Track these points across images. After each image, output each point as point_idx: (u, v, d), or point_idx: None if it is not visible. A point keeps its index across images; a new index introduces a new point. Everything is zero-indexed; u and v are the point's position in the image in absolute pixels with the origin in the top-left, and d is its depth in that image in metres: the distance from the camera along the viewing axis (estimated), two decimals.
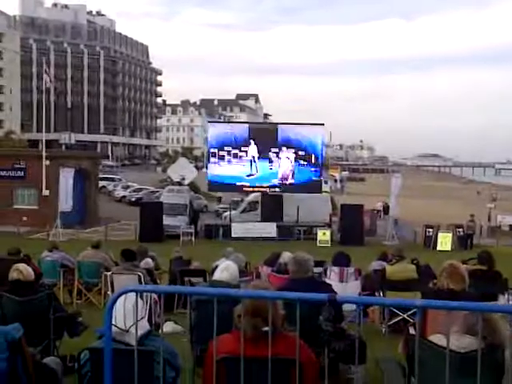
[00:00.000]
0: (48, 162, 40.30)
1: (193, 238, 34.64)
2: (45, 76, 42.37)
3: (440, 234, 33.48)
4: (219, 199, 52.22)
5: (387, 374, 4.50)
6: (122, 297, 4.12)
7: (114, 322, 4.08)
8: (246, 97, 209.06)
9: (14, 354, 3.93)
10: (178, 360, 4.64)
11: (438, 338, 3.88)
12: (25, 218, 38.40)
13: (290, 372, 3.86)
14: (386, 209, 44.51)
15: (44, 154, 40.78)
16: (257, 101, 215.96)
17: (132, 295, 4.31)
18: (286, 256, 10.88)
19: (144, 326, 4.43)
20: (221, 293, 4.39)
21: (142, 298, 4.54)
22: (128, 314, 4.27)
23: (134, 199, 60.13)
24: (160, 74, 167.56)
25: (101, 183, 58.48)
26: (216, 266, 11.48)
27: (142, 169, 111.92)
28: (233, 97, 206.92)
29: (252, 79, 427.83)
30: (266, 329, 3.91)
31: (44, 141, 43.15)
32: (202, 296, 6.15)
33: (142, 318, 4.34)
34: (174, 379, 4.49)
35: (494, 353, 3.73)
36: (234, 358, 3.88)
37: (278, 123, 44.03)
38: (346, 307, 7.78)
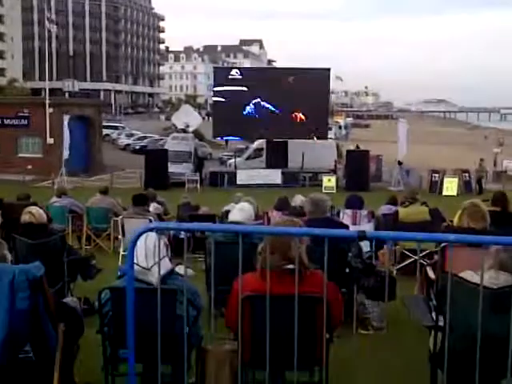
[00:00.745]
0: (52, 110, 40.00)
1: (198, 186, 34.61)
2: (47, 23, 41.71)
3: (446, 179, 33.35)
4: (226, 143, 51.28)
5: (413, 310, 4.43)
6: (142, 237, 4.03)
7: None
8: (249, 43, 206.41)
9: (35, 292, 3.87)
10: (200, 299, 4.60)
11: (469, 275, 3.80)
12: (29, 167, 38.26)
13: (315, 309, 3.80)
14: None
15: (47, 101, 40.44)
16: (261, 47, 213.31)
17: (150, 237, 4.24)
18: (297, 199, 10.83)
19: (166, 265, 4.37)
20: (244, 230, 4.29)
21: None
22: (149, 253, 4.20)
23: (138, 147, 59.79)
24: (162, 19, 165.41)
25: (104, 131, 58.10)
26: (226, 211, 11.45)
27: (145, 117, 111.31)
28: (236, 43, 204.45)
29: (256, 24, 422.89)
30: (291, 266, 3.83)
31: (47, 89, 42.69)
32: (218, 238, 6.09)
33: (163, 257, 4.27)
34: (196, 318, 4.45)
35: None
36: (258, 296, 3.81)
37: (282, 68, 43.48)
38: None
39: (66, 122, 36.26)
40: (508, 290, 3.43)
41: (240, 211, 6.80)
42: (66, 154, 35.79)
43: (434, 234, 3.76)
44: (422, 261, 9.37)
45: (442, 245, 5.51)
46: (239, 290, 3.79)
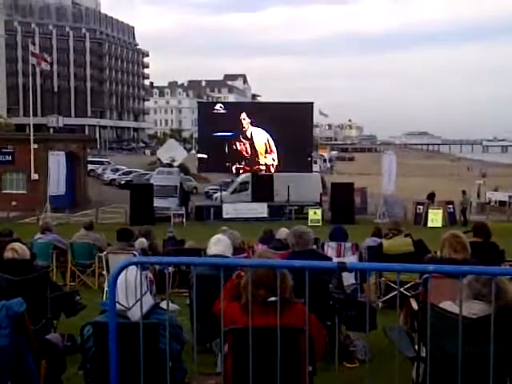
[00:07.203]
0: (36, 146, 39.96)
1: (184, 220, 34.53)
2: (32, 58, 41.58)
3: (430, 211, 33.51)
4: None
5: (397, 342, 4.45)
6: (123, 274, 4.01)
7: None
8: (233, 77, 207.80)
9: (16, 329, 3.85)
10: (183, 333, 4.57)
11: (448, 305, 3.83)
12: (14, 203, 38.07)
13: (298, 341, 3.81)
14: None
15: (32, 137, 40.42)
16: (245, 81, 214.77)
17: (131, 272, 4.22)
18: (282, 232, 10.84)
19: (148, 300, 4.33)
20: (227, 263, 4.30)
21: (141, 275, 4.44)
22: (130, 290, 4.17)
23: (123, 182, 59.71)
24: (146, 55, 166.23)
25: (89, 167, 58.10)
26: None
27: (130, 152, 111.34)
28: (220, 77, 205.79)
29: (240, 60, 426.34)
30: (273, 299, 3.85)
31: (32, 124, 42.64)
32: (202, 271, 6.08)
33: (145, 293, 4.24)
34: (179, 352, 4.42)
35: (506, 316, 3.67)
36: (241, 329, 3.81)
37: (266, 102, 43.79)
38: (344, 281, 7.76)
39: (63, 159, 36.12)
40: (485, 319, 3.46)
41: (215, 244, 6.77)
42: (61, 190, 35.60)
43: (413, 264, 3.79)
44: (405, 292, 9.41)
45: (425, 276, 5.55)
46: (221, 309, 3.79)
